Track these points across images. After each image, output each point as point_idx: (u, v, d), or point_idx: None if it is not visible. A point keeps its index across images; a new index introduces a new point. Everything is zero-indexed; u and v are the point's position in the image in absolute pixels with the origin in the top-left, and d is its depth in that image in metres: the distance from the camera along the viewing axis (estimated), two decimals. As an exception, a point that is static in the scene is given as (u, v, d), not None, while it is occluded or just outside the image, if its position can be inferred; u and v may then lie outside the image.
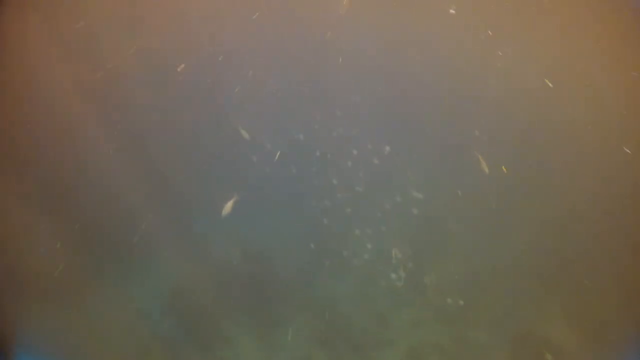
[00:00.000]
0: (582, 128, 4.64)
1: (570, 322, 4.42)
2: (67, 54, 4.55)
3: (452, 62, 4.80)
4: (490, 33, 4.68)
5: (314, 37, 4.88)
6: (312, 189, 4.87)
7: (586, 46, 4.56)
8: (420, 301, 4.60)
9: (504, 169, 4.54)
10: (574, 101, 4.65)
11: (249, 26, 4.86)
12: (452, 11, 4.66)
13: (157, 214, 4.69)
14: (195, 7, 4.84)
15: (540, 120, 4.72)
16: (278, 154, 4.82)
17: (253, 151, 4.87)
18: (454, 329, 4.46)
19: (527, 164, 4.72)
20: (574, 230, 4.68)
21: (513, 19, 4.66)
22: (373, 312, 4.64)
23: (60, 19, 4.53)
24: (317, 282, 4.73)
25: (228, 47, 4.86)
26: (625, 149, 4.45)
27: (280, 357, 4.40)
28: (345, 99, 4.93)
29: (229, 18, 4.84)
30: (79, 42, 4.59)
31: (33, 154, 4.57)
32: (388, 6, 4.82)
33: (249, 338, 4.47)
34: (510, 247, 4.64)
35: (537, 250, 4.60)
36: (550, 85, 4.61)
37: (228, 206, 4.50)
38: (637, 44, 4.52)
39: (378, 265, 4.70)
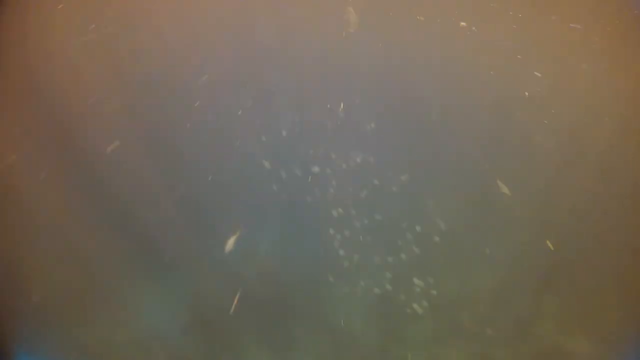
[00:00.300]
0: (581, 128, 4.63)
1: (593, 335, 4.40)
2: (68, 54, 4.54)
3: (469, 84, 4.73)
4: (520, 57, 4.62)
5: (321, 61, 4.81)
6: (330, 218, 4.75)
7: (587, 45, 4.56)
8: (444, 328, 4.57)
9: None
10: (574, 102, 4.65)
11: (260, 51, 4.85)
12: (463, 24, 4.63)
13: (174, 234, 4.68)
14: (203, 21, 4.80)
15: (544, 124, 4.68)
16: (294, 183, 4.78)
17: (272, 180, 4.80)
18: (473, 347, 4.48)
19: (545, 182, 4.66)
20: (591, 244, 4.61)
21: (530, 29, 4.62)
22: (389, 332, 4.62)
23: (61, 19, 4.52)
24: (335, 310, 4.70)
25: (231, 71, 4.84)
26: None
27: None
28: (360, 126, 4.84)
29: (237, 41, 4.82)
30: (80, 42, 4.57)
31: (33, 155, 4.56)
32: (396, 23, 4.75)
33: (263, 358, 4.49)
34: (536, 268, 4.58)
35: (565, 267, 4.56)
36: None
37: (231, 242, 4.52)
38: (637, 44, 4.53)
39: (400, 294, 4.63)
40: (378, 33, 4.74)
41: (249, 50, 4.82)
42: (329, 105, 4.82)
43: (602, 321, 4.40)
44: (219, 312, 4.60)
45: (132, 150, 4.66)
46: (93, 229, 4.57)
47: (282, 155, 4.86)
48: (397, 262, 4.72)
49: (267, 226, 4.81)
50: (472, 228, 4.76)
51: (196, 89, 4.76)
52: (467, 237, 4.77)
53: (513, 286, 4.60)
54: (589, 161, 4.59)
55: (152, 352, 4.45)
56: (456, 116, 4.81)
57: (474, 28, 4.63)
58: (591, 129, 4.59)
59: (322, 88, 4.87)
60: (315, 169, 4.87)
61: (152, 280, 4.67)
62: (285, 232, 4.86)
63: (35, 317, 4.37)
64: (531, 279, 4.60)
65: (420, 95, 4.84)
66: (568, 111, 4.65)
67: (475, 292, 4.67)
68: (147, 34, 4.64)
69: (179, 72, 4.75)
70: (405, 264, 4.71)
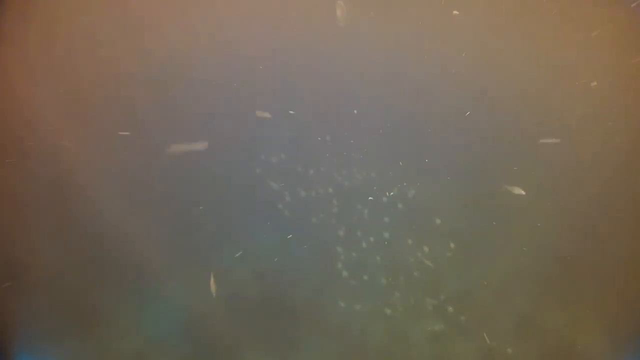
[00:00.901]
0: (581, 129, 4.59)
1: (600, 327, 4.38)
2: (68, 55, 4.55)
3: (471, 86, 4.67)
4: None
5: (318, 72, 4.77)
6: (336, 239, 4.72)
7: (586, 45, 4.54)
8: (463, 344, 4.48)
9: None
10: (575, 102, 4.64)
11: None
12: (455, 12, 4.53)
13: (180, 248, 4.67)
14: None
15: (549, 126, 4.64)
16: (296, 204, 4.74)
17: (278, 200, 4.77)
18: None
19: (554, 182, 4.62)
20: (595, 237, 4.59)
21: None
22: (393, 331, 4.54)
23: (61, 20, 4.53)
24: (343, 327, 4.60)
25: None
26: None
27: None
28: (361, 139, 4.79)
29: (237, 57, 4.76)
30: (81, 43, 4.58)
31: (34, 156, 4.57)
32: (390, 19, 4.67)
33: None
34: (551, 272, 4.56)
35: (571, 260, 4.54)
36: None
37: (212, 284, 4.49)
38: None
39: (413, 315, 4.56)
40: (370, 30, 4.62)
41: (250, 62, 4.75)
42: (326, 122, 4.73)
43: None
44: (219, 314, 4.57)
45: (136, 158, 4.66)
46: (94, 233, 4.55)
47: (283, 174, 4.79)
48: (409, 279, 4.64)
49: (273, 246, 4.76)
50: (483, 238, 4.68)
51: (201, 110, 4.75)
52: (480, 250, 4.68)
53: (528, 294, 4.53)
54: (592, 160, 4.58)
55: (153, 352, 4.43)
56: (459, 123, 4.73)
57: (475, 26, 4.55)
58: (589, 130, 4.60)
59: (319, 105, 4.80)
60: (318, 188, 4.78)
61: (153, 284, 4.62)
62: (290, 252, 4.77)
63: (35, 319, 4.36)
64: (547, 285, 4.54)
65: (420, 103, 4.76)
66: (569, 112, 4.65)
67: (495, 304, 4.53)
68: (148, 36, 4.60)
69: (183, 81, 4.71)
70: (417, 281, 4.64)
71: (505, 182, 4.53)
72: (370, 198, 4.77)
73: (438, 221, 4.73)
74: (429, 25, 4.63)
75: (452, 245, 4.64)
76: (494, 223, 4.65)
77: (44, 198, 4.55)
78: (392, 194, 4.75)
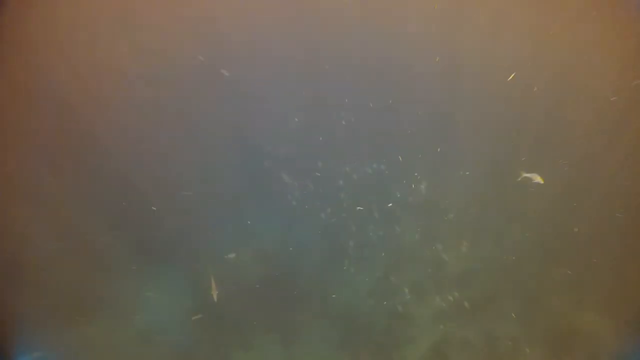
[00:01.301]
0: (584, 129, 4.58)
1: (600, 312, 4.37)
2: (68, 54, 4.57)
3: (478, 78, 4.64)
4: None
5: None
6: (348, 236, 4.69)
7: (584, 42, 4.52)
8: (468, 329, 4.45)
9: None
10: (578, 103, 4.60)
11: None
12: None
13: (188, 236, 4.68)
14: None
15: (554, 124, 4.65)
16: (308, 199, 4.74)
17: (292, 192, 4.78)
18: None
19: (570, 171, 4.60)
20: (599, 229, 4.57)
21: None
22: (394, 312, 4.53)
23: (60, 19, 4.55)
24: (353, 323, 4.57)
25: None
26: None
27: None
28: (368, 134, 4.80)
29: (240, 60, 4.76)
30: (80, 42, 4.60)
31: (34, 154, 4.58)
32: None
33: (271, 345, 4.41)
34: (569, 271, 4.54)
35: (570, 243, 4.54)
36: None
37: (213, 287, 4.46)
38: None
39: (426, 310, 4.51)
40: (381, 21, 4.61)
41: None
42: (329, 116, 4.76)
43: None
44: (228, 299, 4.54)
45: (141, 151, 4.66)
46: (94, 231, 4.53)
47: (292, 166, 4.79)
48: (422, 274, 4.62)
49: (282, 238, 4.76)
50: (497, 230, 4.69)
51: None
52: (496, 244, 4.66)
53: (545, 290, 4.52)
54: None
55: (155, 345, 4.40)
56: (468, 112, 4.73)
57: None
58: (592, 130, 4.56)
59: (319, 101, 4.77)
60: (327, 181, 4.78)
61: (154, 276, 4.65)
62: (299, 245, 4.75)
63: (35, 317, 4.35)
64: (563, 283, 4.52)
65: (429, 94, 4.73)
66: (572, 112, 4.62)
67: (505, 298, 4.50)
68: (147, 33, 4.66)
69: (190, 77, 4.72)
70: (431, 276, 4.61)
71: (524, 170, 4.46)
72: (379, 191, 4.76)
73: (451, 215, 4.70)
74: (442, 16, 4.60)
75: (464, 241, 4.62)
76: (509, 214, 4.66)
77: (41, 194, 4.52)
78: (403, 186, 4.74)
